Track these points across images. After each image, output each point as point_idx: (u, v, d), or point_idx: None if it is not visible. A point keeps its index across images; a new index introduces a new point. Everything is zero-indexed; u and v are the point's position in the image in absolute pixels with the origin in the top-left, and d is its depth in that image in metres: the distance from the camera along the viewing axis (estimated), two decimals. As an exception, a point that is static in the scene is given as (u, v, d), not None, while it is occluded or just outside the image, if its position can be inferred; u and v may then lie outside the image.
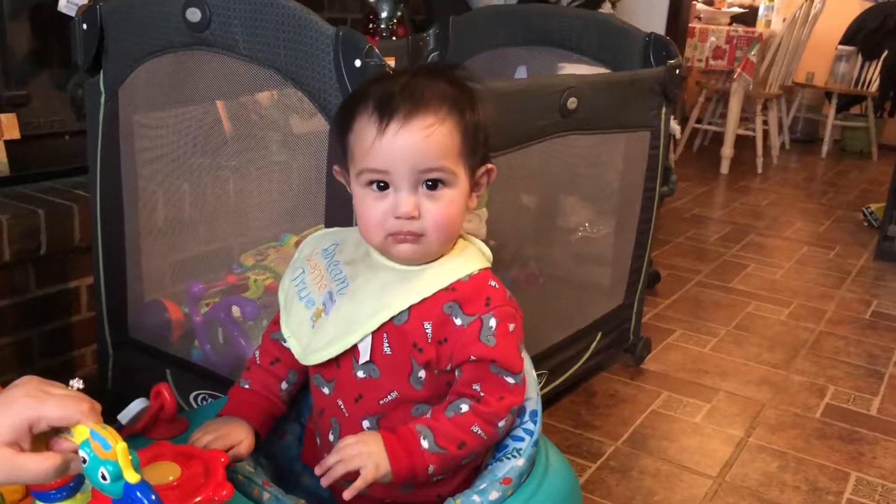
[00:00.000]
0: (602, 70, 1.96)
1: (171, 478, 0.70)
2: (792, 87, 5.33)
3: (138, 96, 1.49)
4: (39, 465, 0.63)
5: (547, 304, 1.90)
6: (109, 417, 0.81)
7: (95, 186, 1.54)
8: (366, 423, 0.86)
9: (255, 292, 1.57)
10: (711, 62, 4.51)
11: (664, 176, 2.03)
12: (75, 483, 0.69)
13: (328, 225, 1.27)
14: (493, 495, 0.79)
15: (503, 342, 0.84)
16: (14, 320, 1.64)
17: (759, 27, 4.68)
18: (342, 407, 0.88)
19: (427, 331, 0.84)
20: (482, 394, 0.83)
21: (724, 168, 4.52)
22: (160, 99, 1.55)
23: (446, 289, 0.85)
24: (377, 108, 0.83)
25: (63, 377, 1.78)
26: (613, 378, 1.99)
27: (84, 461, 0.63)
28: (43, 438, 0.65)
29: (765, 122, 4.74)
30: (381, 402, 0.86)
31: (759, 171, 4.62)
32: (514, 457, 0.84)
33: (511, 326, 0.85)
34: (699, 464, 1.66)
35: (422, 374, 0.84)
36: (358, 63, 1.14)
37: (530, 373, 0.90)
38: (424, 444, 0.80)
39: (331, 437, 0.88)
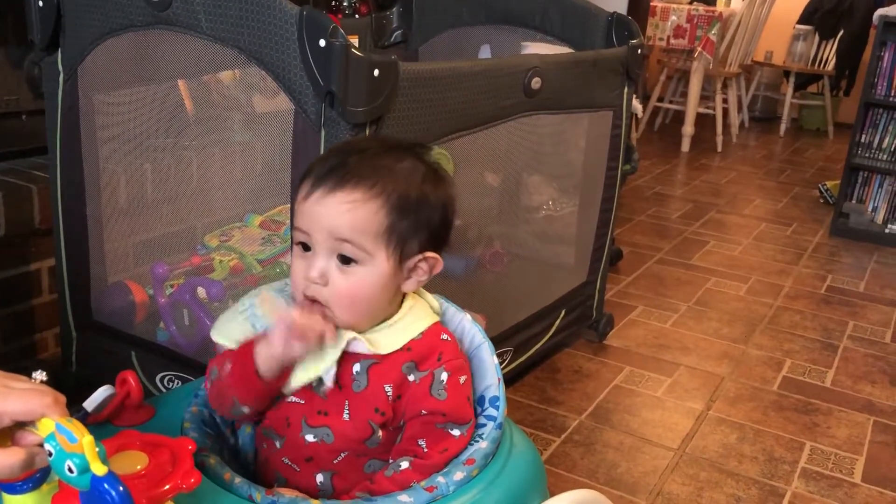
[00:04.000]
0: (565, 49, 1.97)
1: (138, 467, 0.69)
2: (751, 66, 5.41)
3: (98, 75, 1.47)
4: (4, 460, 0.63)
5: (512, 282, 1.92)
6: (74, 402, 0.81)
7: (56, 167, 1.52)
8: (319, 478, 0.86)
9: (220, 273, 1.56)
10: (672, 41, 4.55)
11: (626, 154, 2.06)
12: (41, 474, 0.68)
13: (292, 204, 1.27)
14: (458, 476, 0.80)
15: (454, 395, 0.84)
16: (-27, 304, 1.62)
17: (719, 6, 4.74)
18: (291, 465, 0.87)
19: (388, 393, 0.83)
20: (425, 449, 0.83)
21: (685, 146, 4.58)
22: (121, 78, 1.53)
23: (403, 349, 0.84)
24: (316, 171, 0.84)
25: (25, 360, 1.76)
26: (577, 354, 2.03)
27: (50, 455, 0.63)
28: (7, 433, 0.65)
29: (724, 101, 4.80)
30: (334, 462, 0.85)
31: (719, 149, 4.68)
32: (478, 441, 0.85)
33: (462, 379, 0.86)
34: (661, 437, 1.70)
35: (380, 434, 0.84)
36: (322, 43, 1.14)
37: (490, 360, 0.91)
38: None
39: (279, 479, 0.88)
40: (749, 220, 3.38)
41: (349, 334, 0.83)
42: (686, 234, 3.10)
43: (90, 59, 1.43)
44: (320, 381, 0.84)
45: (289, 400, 0.85)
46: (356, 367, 0.84)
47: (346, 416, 0.84)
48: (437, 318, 0.90)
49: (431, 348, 0.85)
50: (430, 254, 0.86)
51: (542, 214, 2.21)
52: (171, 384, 1.46)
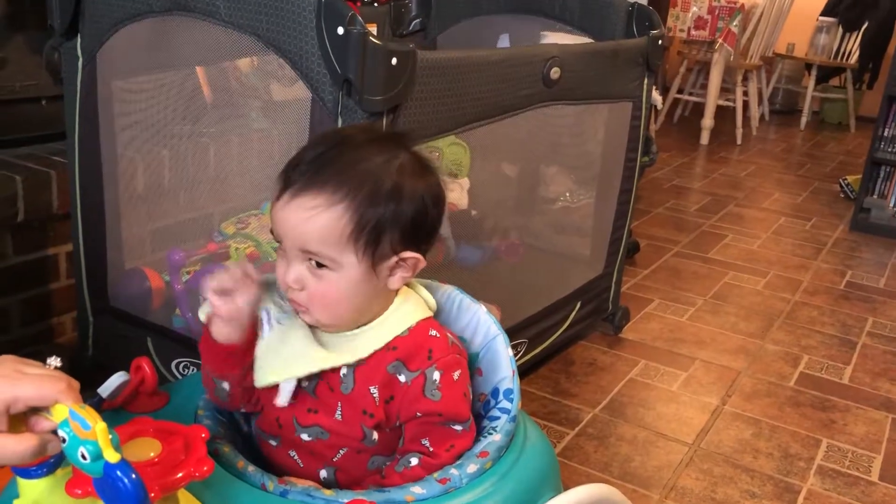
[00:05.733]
0: (585, 39, 1.95)
1: (151, 454, 0.68)
2: (772, 58, 5.34)
3: (117, 61, 1.47)
4: (17, 446, 0.63)
5: (527, 273, 1.91)
6: (90, 387, 0.81)
7: (74, 152, 1.52)
8: (323, 473, 0.85)
9: (236, 260, 1.56)
10: (693, 32, 4.51)
11: (645, 146, 2.04)
12: (55, 460, 0.68)
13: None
14: (471, 468, 0.79)
15: (448, 393, 0.82)
16: (-8, 287, 1.63)
17: (742, -3, 4.68)
18: (296, 459, 0.85)
19: (374, 395, 0.81)
20: (431, 448, 0.82)
21: (704, 139, 4.54)
22: (139, 64, 1.53)
23: (387, 349, 0.82)
24: (283, 174, 0.80)
25: (42, 344, 1.77)
26: (592, 347, 2.02)
27: (63, 441, 0.63)
28: (22, 418, 0.65)
29: (745, 93, 4.75)
30: (334, 459, 0.84)
31: (739, 141, 4.64)
32: (491, 433, 0.84)
33: (456, 375, 0.83)
34: (675, 431, 1.69)
35: (375, 436, 0.83)
36: (341, 31, 1.13)
37: (504, 352, 0.89)
38: None
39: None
40: (768, 213, 3.35)
41: (318, 360, 0.81)
42: (704, 227, 3.08)
43: (109, 45, 1.43)
44: (308, 379, 0.82)
45: (276, 402, 0.83)
46: (343, 370, 0.82)
47: (338, 416, 0.82)
48: (428, 314, 0.87)
49: (419, 346, 0.82)
50: (407, 254, 0.82)
51: (558, 206, 2.20)
52: (186, 371, 1.47)
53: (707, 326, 2.21)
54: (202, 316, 0.83)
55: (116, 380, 0.86)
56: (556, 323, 1.83)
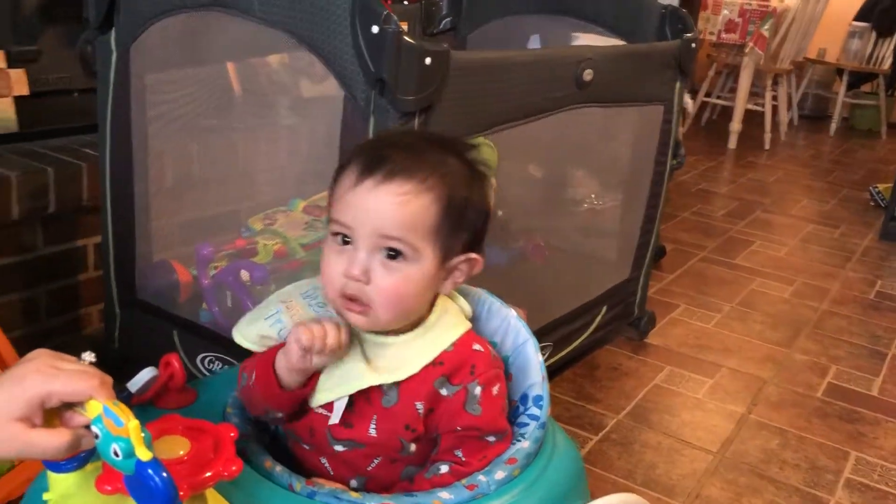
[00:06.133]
0: (616, 41, 1.93)
1: (180, 452, 0.69)
2: (803, 63, 5.28)
3: (150, 55, 1.47)
4: (51, 441, 0.63)
5: (554, 276, 1.90)
6: (116, 379, 0.81)
7: (105, 145, 1.53)
8: (353, 483, 0.84)
9: (264, 257, 1.56)
10: (723, 35, 4.46)
11: (673, 149, 2.02)
12: (86, 455, 0.68)
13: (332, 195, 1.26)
14: (499, 475, 0.79)
15: (488, 408, 0.81)
16: (21, 278, 1.65)
17: (773, 1, 4.63)
18: (326, 465, 0.84)
19: (419, 410, 0.80)
20: (464, 459, 0.81)
21: (732, 143, 4.49)
22: (172, 58, 1.54)
23: (434, 364, 0.81)
24: (362, 162, 0.79)
25: (69, 335, 1.79)
26: (617, 351, 2.00)
27: (96, 437, 0.63)
28: (55, 412, 0.65)
29: (774, 98, 4.70)
30: (368, 469, 0.83)
31: (767, 146, 4.59)
32: (520, 440, 0.83)
33: (496, 389, 0.83)
34: (700, 439, 1.67)
35: (412, 448, 0.82)
36: (375, 30, 1.12)
37: (535, 357, 0.89)
38: None
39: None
40: (796, 220, 3.31)
41: (369, 377, 0.80)
42: (731, 232, 3.05)
43: (143, 39, 1.44)
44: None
45: (315, 410, 0.83)
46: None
47: (372, 431, 0.81)
48: (468, 326, 0.86)
49: (463, 361, 0.82)
50: (473, 255, 0.83)
51: (584, 208, 2.18)
52: (211, 365, 1.47)
53: (733, 334, 2.18)
54: (240, 338, 0.83)
55: (145, 375, 0.86)
56: (582, 326, 1.82)
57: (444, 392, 0.81)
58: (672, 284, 2.48)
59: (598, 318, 1.86)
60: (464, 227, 0.81)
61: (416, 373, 0.80)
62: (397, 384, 0.81)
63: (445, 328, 0.83)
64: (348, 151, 0.86)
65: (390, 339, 0.82)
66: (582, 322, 1.82)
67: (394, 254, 0.78)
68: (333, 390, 0.80)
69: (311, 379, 0.80)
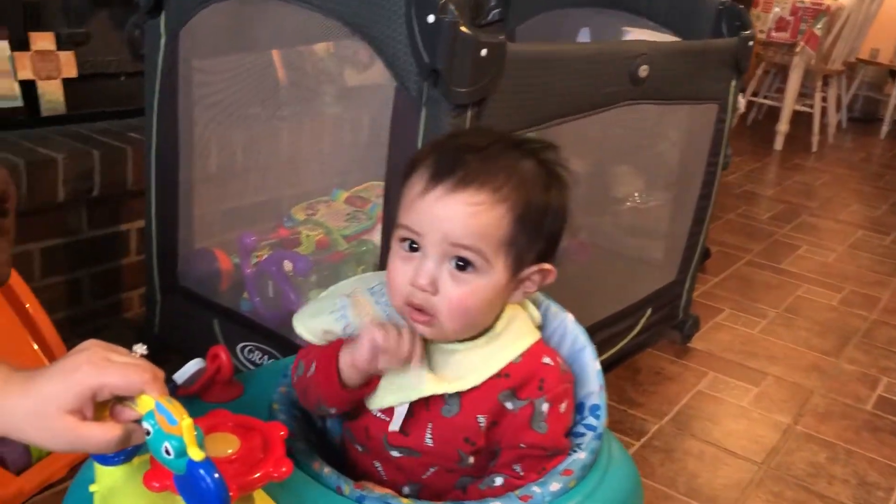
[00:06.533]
0: (669, 37, 1.88)
1: (229, 451, 0.67)
2: (855, 64, 5.14)
3: (199, 40, 1.46)
4: (102, 435, 0.62)
5: (597, 276, 1.86)
6: (157, 365, 0.79)
7: (151, 130, 1.52)
8: (406, 489, 0.82)
9: (307, 247, 1.55)
10: (774, 34, 4.36)
11: (722, 150, 1.96)
12: (133, 448, 0.67)
13: (387, 182, 1.24)
14: (554, 486, 0.75)
15: (554, 426, 0.78)
16: (66, 260, 1.65)
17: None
18: (380, 470, 0.83)
19: (481, 424, 0.77)
20: (522, 473, 0.78)
21: (778, 144, 4.40)
22: (221, 44, 1.52)
23: (500, 375, 0.78)
24: (434, 166, 0.76)
25: (110, 319, 1.78)
26: (659, 355, 1.96)
27: (148, 433, 0.61)
28: (104, 405, 0.64)
29: (823, 99, 4.59)
30: (423, 477, 0.81)
31: (814, 149, 4.48)
32: (575, 451, 0.80)
33: (563, 407, 0.80)
34: (745, 448, 1.62)
35: (471, 460, 0.79)
36: (431, 19, 1.10)
37: (592, 365, 0.86)
38: None
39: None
40: (844, 225, 3.22)
41: (432, 385, 0.77)
42: (777, 236, 2.97)
43: (192, 24, 1.43)
44: None
45: (373, 413, 0.80)
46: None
47: (428, 441, 0.78)
48: (538, 336, 0.83)
49: (532, 374, 0.78)
50: (546, 266, 0.80)
51: (626, 206, 2.14)
52: (251, 355, 1.46)
53: (779, 341, 2.12)
54: (301, 329, 0.80)
55: (192, 367, 0.84)
56: (626, 329, 1.78)
57: (509, 406, 0.78)
58: (716, 288, 2.42)
59: (643, 321, 1.82)
60: (540, 237, 0.78)
61: (480, 384, 0.77)
62: (459, 394, 0.78)
63: (513, 337, 0.80)
64: (419, 150, 0.83)
65: (456, 346, 0.79)
66: (626, 324, 1.77)
67: (463, 264, 0.75)
68: (396, 395, 0.78)
69: (372, 380, 0.78)
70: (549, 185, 0.79)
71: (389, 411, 0.79)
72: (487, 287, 0.76)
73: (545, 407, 0.78)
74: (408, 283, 0.76)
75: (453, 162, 0.76)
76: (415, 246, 0.76)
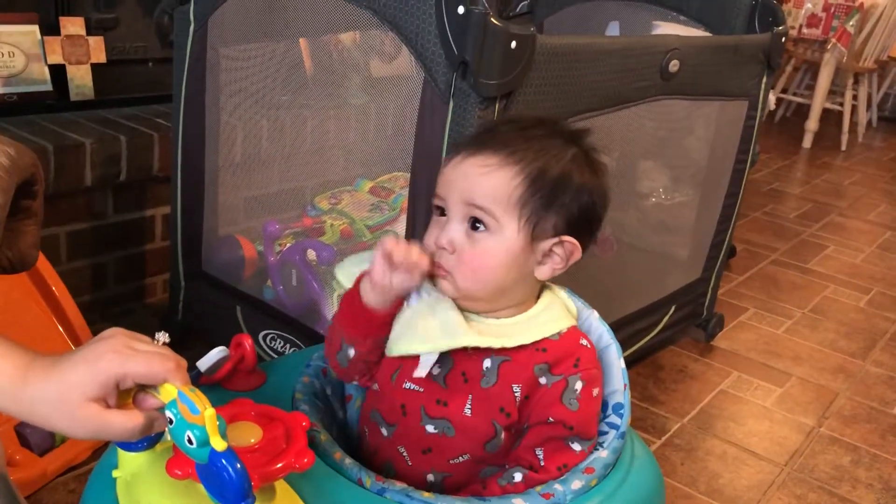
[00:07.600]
0: (699, 32, 1.86)
1: (251, 440, 0.67)
2: (887, 62, 5.06)
3: (228, 28, 1.46)
4: (125, 423, 0.62)
5: (622, 271, 1.84)
6: (179, 350, 0.79)
7: (179, 116, 1.53)
8: (430, 477, 0.82)
9: (331, 237, 1.55)
10: (805, 30, 4.30)
11: (750, 147, 1.93)
12: (156, 434, 0.67)
13: (413, 173, 1.23)
14: (576, 484, 0.75)
15: (585, 407, 0.79)
16: (91, 244, 1.66)
17: (860, -4, 4.43)
18: (405, 455, 0.83)
19: (516, 394, 0.78)
20: (542, 462, 0.78)
21: (807, 142, 4.34)
22: (250, 32, 1.52)
23: (537, 348, 0.79)
24: (468, 140, 0.82)
25: (134, 303, 1.79)
26: (682, 353, 1.94)
27: (170, 422, 0.61)
28: (127, 393, 0.64)
29: (854, 97, 4.52)
30: (450, 462, 0.81)
31: (843, 147, 4.42)
32: (598, 449, 0.80)
33: (595, 391, 0.81)
34: (767, 450, 1.61)
35: (502, 436, 0.80)
36: (461, 10, 1.09)
37: (617, 363, 0.85)
38: None
39: (388, 469, 0.84)
40: (873, 226, 3.18)
41: (467, 335, 0.77)
42: (804, 235, 2.93)
43: (221, 12, 1.43)
44: (441, 365, 0.79)
45: (405, 386, 0.81)
46: (486, 363, 0.79)
47: (467, 411, 0.79)
48: (574, 322, 0.84)
49: (568, 352, 0.80)
50: (566, 238, 0.80)
51: (650, 202, 2.11)
52: (273, 343, 1.46)
53: (805, 341, 2.10)
54: (342, 276, 0.83)
55: (216, 355, 0.84)
56: (649, 326, 1.76)
57: (542, 381, 0.79)
58: (741, 286, 2.39)
59: (666, 318, 1.81)
60: (555, 208, 0.79)
61: (514, 346, 0.78)
62: (497, 365, 0.79)
63: (551, 318, 0.82)
64: (435, 134, 0.86)
65: (492, 320, 0.81)
66: (649, 321, 1.76)
67: (477, 224, 0.79)
68: (423, 342, 0.78)
69: (392, 306, 0.80)
70: (574, 161, 0.80)
71: (423, 382, 0.80)
72: (499, 248, 0.78)
73: (579, 385, 0.79)
74: (433, 244, 0.80)
75: (485, 133, 0.81)
76: (443, 211, 0.81)
